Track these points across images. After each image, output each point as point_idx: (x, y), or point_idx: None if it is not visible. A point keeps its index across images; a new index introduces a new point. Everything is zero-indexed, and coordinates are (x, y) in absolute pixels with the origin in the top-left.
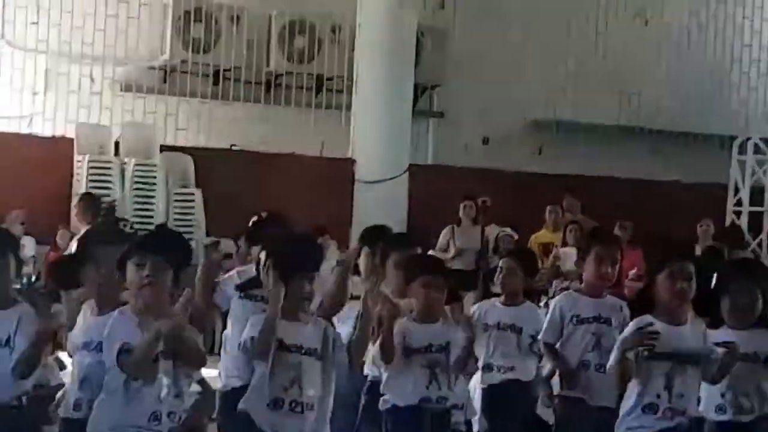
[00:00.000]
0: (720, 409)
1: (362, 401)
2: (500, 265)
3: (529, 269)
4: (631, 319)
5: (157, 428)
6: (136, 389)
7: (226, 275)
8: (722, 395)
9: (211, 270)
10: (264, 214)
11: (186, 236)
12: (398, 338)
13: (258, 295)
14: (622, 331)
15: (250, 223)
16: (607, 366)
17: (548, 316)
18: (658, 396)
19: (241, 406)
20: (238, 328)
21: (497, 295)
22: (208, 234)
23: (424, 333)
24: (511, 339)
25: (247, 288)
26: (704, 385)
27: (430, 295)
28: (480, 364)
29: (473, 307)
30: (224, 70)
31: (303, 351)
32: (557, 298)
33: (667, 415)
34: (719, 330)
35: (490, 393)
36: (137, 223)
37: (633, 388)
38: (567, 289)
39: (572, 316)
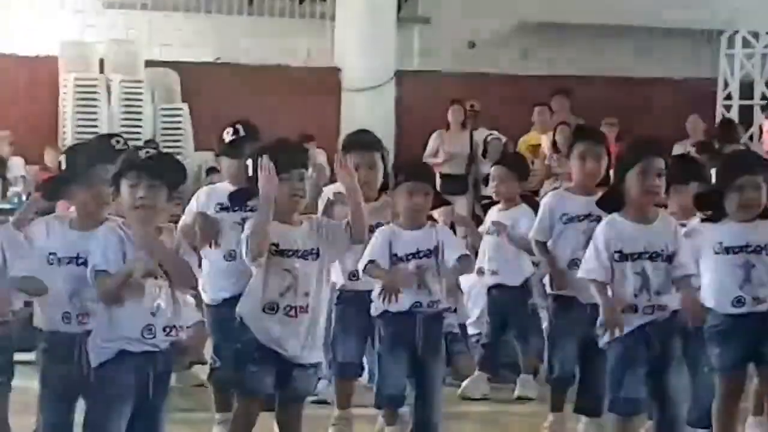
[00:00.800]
0: (739, 302)
1: (333, 312)
2: (492, 173)
3: (521, 174)
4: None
5: (152, 341)
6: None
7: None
8: (740, 287)
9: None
10: (239, 128)
11: (174, 151)
12: (384, 246)
13: (240, 207)
14: None
15: (227, 140)
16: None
17: (538, 215)
18: (636, 296)
19: (237, 310)
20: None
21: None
22: (196, 149)
23: (411, 239)
24: (503, 242)
25: (236, 199)
26: (718, 280)
27: (416, 202)
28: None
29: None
30: None
31: (299, 254)
32: (546, 197)
33: (647, 312)
34: (723, 223)
35: (498, 292)
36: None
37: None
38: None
39: (561, 215)
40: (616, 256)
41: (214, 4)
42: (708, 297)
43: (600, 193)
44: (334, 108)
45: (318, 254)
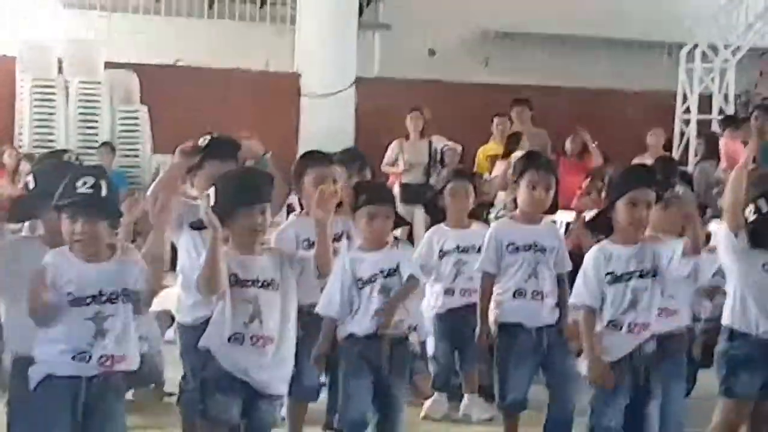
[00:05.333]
0: None
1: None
2: (447, 189)
3: (475, 190)
4: (581, 238)
5: (84, 366)
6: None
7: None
8: None
9: (174, 176)
10: (206, 140)
11: (132, 153)
12: (348, 270)
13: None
14: (557, 256)
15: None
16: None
17: (485, 245)
18: (623, 314)
19: (201, 342)
20: (190, 263)
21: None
22: (154, 151)
23: (374, 260)
24: (472, 262)
25: (198, 228)
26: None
27: (376, 226)
28: (440, 288)
29: (426, 236)
30: None
31: (260, 284)
32: (492, 226)
33: (633, 329)
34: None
35: (449, 317)
36: (82, 141)
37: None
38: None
39: (507, 245)
40: (608, 278)
41: (175, 7)
42: (739, 318)
43: (544, 220)
44: (294, 113)
45: (278, 285)
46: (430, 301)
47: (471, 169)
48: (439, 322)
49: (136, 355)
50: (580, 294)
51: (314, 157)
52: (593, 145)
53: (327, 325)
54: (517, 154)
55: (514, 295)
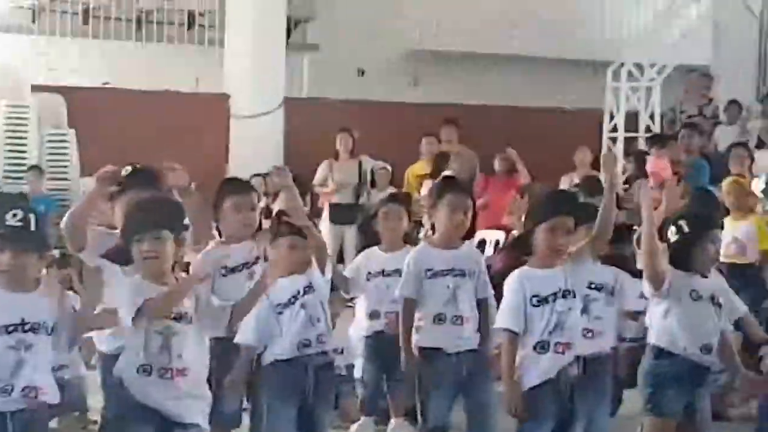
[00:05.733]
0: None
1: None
2: (380, 212)
3: (409, 214)
4: (509, 257)
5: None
6: None
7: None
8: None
9: (89, 204)
10: (128, 170)
11: (60, 176)
12: (263, 297)
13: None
14: (477, 281)
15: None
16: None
17: (404, 269)
18: (550, 333)
19: (114, 372)
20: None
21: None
22: (83, 174)
23: (290, 282)
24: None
25: (114, 259)
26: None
27: (297, 256)
28: (367, 311)
29: (357, 258)
30: (93, 8)
31: (172, 316)
32: (412, 251)
33: (558, 350)
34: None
35: (376, 339)
36: (9, 164)
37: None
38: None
39: (426, 270)
40: (534, 300)
41: (103, 30)
42: (671, 338)
43: (464, 245)
44: (223, 135)
45: (191, 320)
46: (359, 324)
47: (407, 194)
48: (366, 345)
49: (56, 387)
50: (503, 318)
51: (233, 184)
52: (520, 165)
53: (244, 352)
54: (446, 173)
55: (434, 320)
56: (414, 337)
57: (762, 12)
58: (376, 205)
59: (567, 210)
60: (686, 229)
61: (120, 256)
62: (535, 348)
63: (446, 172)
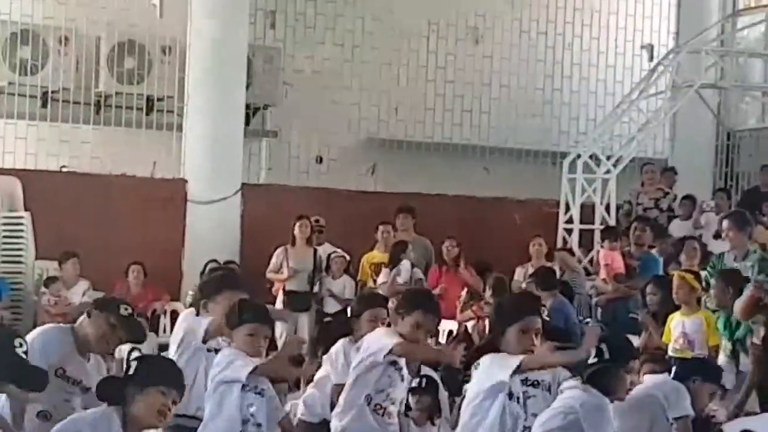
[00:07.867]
0: None
1: None
2: (365, 314)
3: None
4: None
5: None
6: None
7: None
8: None
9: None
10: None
11: (14, 260)
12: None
13: None
14: None
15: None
16: None
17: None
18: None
19: None
20: None
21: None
22: (37, 258)
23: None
24: None
25: None
26: None
27: (257, 343)
28: None
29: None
30: (52, 92)
31: None
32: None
33: None
34: None
35: None
36: None
37: None
38: None
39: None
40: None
41: (60, 113)
42: None
43: None
44: (180, 220)
45: None
46: None
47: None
48: None
49: None
50: None
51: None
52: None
53: None
54: (405, 264)
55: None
56: None
57: (719, 105)
58: (359, 306)
59: (536, 311)
60: (606, 354)
61: None
62: None
63: (405, 263)
